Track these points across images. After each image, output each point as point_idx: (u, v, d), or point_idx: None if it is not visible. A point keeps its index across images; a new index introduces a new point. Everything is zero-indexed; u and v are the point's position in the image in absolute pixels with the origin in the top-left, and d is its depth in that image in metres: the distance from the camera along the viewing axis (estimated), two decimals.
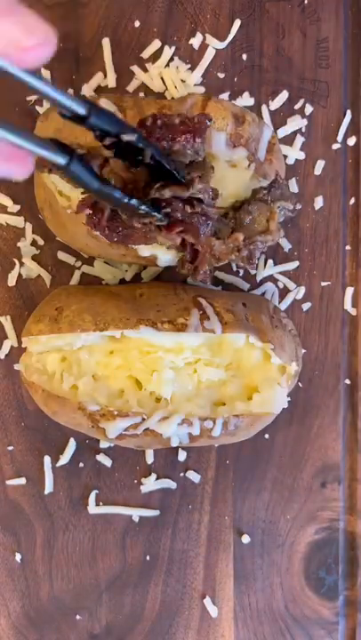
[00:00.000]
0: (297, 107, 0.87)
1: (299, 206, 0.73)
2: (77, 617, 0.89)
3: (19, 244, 0.86)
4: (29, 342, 0.78)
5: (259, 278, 0.88)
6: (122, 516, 0.89)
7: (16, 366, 0.86)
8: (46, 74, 0.84)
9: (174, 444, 0.76)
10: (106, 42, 0.84)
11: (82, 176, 0.58)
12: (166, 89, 0.84)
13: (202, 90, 0.85)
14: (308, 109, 0.87)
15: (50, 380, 0.77)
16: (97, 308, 0.75)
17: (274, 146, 0.76)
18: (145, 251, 0.73)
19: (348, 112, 0.87)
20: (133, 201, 0.63)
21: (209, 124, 0.66)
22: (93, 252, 0.78)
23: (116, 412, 0.74)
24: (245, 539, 0.89)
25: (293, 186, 0.87)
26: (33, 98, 0.84)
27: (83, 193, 0.69)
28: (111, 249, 0.74)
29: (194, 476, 0.88)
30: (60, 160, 0.56)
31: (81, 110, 0.55)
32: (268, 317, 0.80)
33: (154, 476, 0.88)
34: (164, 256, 0.74)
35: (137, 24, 0.85)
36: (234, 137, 0.71)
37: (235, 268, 0.88)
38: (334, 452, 0.89)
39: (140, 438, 0.76)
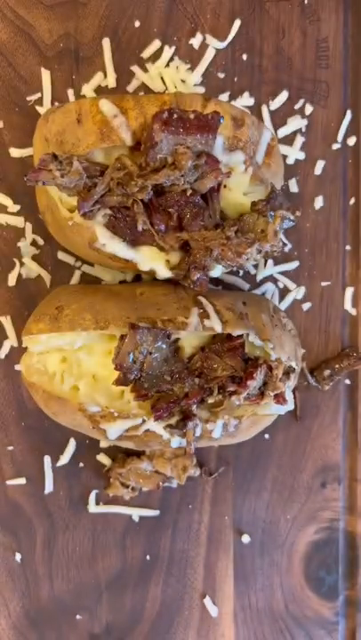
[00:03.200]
0: (297, 107, 0.87)
1: (299, 213, 0.74)
2: (77, 617, 0.89)
3: (19, 244, 0.86)
4: (29, 341, 0.78)
5: (259, 278, 0.88)
6: (122, 515, 0.89)
7: (17, 367, 0.86)
8: (46, 74, 0.84)
9: (174, 445, 0.76)
10: (106, 42, 0.84)
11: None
12: (166, 89, 0.84)
13: (202, 90, 0.85)
14: (308, 109, 0.87)
15: (50, 381, 0.77)
16: (97, 306, 0.75)
17: (273, 149, 0.76)
18: (144, 265, 0.74)
19: (349, 112, 0.87)
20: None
21: (222, 122, 0.68)
22: (93, 260, 0.78)
23: (116, 414, 0.74)
24: (245, 539, 0.89)
25: (293, 186, 0.87)
26: (33, 98, 0.84)
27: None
28: (111, 261, 0.74)
29: (194, 476, 0.88)
30: None
31: None
32: (268, 316, 0.80)
33: None
34: (163, 271, 0.74)
35: (137, 24, 0.85)
36: (231, 140, 0.71)
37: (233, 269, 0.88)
38: (334, 451, 0.89)
39: (140, 439, 0.76)
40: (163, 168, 0.68)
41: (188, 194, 0.70)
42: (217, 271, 0.75)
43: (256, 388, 0.74)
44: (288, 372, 0.77)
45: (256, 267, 0.88)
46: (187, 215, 0.71)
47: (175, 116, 0.66)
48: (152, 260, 0.74)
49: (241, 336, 0.74)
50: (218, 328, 0.74)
